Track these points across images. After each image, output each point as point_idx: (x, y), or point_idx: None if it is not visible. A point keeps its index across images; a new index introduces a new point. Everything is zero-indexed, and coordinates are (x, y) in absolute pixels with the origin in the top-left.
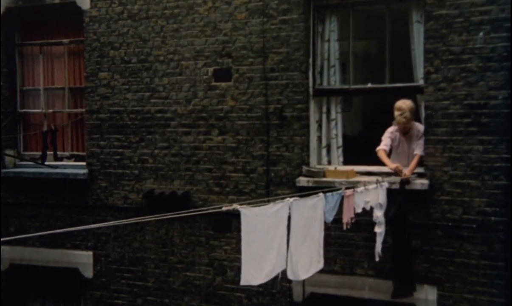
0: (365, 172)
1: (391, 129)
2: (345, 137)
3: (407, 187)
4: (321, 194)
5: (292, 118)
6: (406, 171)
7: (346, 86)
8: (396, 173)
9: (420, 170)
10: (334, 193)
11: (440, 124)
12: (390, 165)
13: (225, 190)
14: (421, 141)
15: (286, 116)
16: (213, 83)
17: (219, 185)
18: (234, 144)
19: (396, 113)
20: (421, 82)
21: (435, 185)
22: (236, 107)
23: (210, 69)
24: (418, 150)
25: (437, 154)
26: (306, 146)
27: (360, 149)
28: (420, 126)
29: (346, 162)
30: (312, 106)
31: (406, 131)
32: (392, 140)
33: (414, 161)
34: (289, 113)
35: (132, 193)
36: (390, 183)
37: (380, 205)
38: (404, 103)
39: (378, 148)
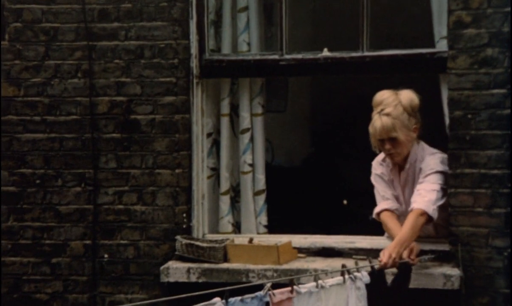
0: (319, 249)
1: (379, 158)
2: (271, 170)
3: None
4: (218, 301)
5: (153, 126)
6: (389, 248)
7: (275, 56)
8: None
9: (442, 245)
10: (249, 296)
11: (485, 140)
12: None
13: None
14: (430, 184)
15: (138, 121)
16: None
17: None
18: (13, 189)
19: (374, 111)
20: (441, 46)
21: (475, 279)
22: (18, 101)
23: None
24: (419, 201)
25: (478, 207)
26: (184, 191)
27: (307, 198)
28: (432, 156)
29: (274, 227)
30: (199, 99)
31: (398, 159)
32: (384, 180)
33: (407, 225)
34: (146, 115)
35: None
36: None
37: None
38: (394, 95)
39: (378, 209)
